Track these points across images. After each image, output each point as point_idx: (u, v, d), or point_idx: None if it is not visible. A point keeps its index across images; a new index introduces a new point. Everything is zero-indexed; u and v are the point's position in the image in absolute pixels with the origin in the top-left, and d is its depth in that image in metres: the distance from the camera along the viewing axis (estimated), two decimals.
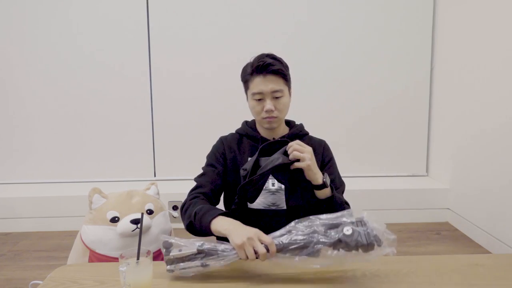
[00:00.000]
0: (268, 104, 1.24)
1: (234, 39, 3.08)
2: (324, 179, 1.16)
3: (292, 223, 0.98)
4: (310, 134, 1.42)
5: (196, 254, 0.97)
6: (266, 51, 1.31)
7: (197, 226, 1.13)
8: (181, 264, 0.97)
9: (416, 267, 1.05)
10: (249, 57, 1.30)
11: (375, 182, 3.15)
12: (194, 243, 0.98)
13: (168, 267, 0.98)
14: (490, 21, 2.50)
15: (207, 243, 0.99)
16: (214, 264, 0.96)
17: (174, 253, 0.97)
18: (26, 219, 2.84)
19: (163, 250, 0.99)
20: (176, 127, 3.17)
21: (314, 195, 1.18)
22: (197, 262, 0.96)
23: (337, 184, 1.32)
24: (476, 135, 2.63)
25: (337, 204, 1.18)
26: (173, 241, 0.98)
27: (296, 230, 0.96)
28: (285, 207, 1.28)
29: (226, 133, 1.43)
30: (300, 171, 1.13)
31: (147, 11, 3.03)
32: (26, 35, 3.01)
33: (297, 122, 1.44)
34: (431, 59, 3.19)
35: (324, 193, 1.17)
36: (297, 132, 1.37)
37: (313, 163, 1.13)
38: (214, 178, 1.30)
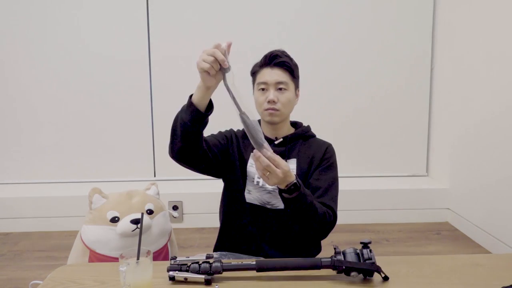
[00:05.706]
0: (271, 94, 1.26)
1: (238, 33, 3.02)
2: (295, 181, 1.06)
3: None
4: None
5: (203, 261, 0.97)
6: (269, 42, 1.33)
7: (181, 122, 1.19)
8: (185, 273, 0.96)
9: (416, 267, 1.05)
10: (253, 50, 1.32)
11: (375, 182, 3.15)
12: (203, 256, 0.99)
13: (171, 272, 0.96)
14: (490, 21, 2.50)
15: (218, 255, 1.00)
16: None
17: (181, 258, 0.98)
18: (26, 219, 2.84)
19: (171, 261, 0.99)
20: None
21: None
22: (200, 276, 0.95)
23: (320, 191, 1.21)
24: (476, 135, 2.63)
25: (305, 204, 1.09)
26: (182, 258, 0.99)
27: None
28: (279, 207, 1.26)
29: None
30: None
31: (147, 8, 3.04)
32: (25, 37, 3.00)
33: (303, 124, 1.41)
34: (431, 59, 3.19)
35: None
36: (303, 133, 1.34)
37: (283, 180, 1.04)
38: (215, 141, 1.34)
